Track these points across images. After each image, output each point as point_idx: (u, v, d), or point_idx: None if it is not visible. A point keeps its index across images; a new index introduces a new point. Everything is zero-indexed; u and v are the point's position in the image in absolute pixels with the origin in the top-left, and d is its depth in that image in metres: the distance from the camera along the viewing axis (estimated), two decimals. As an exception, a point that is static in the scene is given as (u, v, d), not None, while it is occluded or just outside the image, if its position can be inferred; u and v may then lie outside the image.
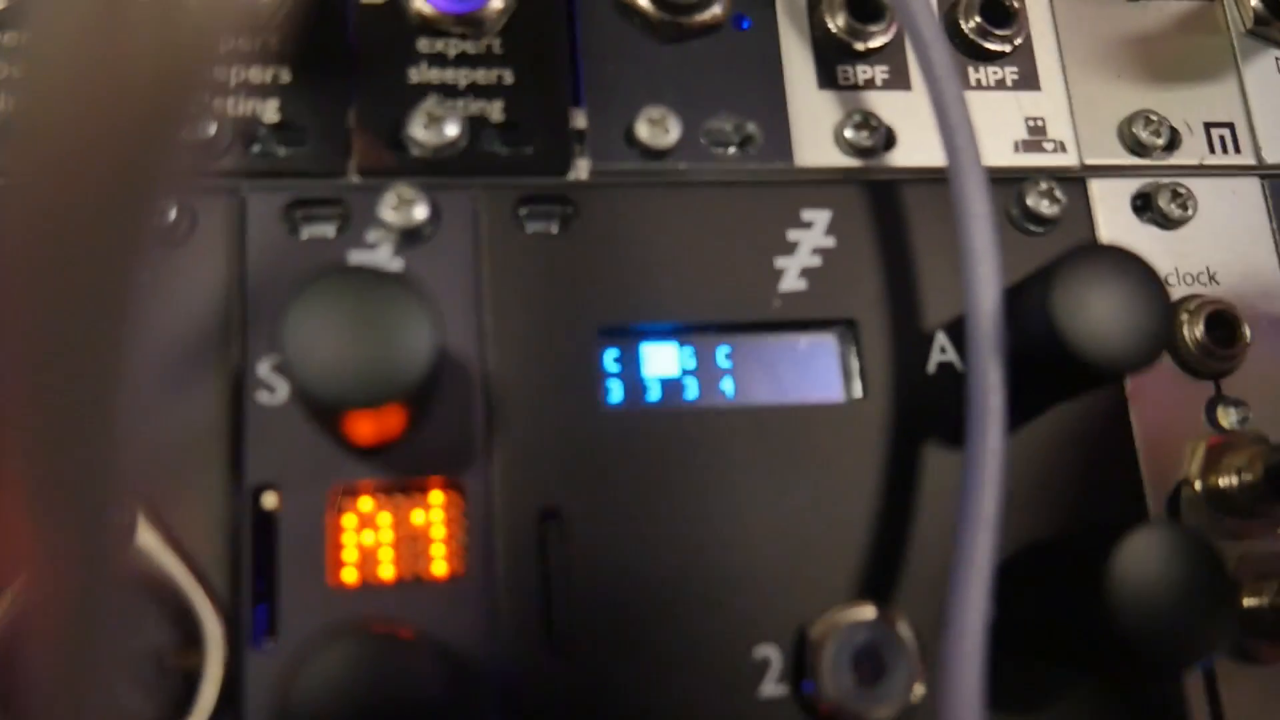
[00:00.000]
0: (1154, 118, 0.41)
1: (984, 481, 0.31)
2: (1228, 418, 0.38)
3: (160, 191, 0.19)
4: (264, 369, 0.33)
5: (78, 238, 0.18)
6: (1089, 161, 0.40)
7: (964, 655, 0.30)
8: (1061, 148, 0.40)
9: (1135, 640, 0.29)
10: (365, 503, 0.33)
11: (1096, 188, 0.40)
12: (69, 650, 0.20)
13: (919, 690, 0.32)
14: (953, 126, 0.35)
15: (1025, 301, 0.33)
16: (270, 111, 0.35)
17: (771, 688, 0.33)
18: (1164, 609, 0.29)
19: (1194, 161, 0.41)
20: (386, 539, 0.33)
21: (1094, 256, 0.32)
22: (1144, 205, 0.40)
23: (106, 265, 0.18)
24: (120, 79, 0.18)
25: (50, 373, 0.18)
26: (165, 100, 0.18)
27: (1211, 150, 0.41)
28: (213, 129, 0.34)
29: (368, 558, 0.33)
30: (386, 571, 0.32)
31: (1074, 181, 0.40)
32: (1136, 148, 0.41)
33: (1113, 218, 0.40)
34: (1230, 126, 0.42)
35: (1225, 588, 0.30)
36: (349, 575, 0.32)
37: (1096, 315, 0.31)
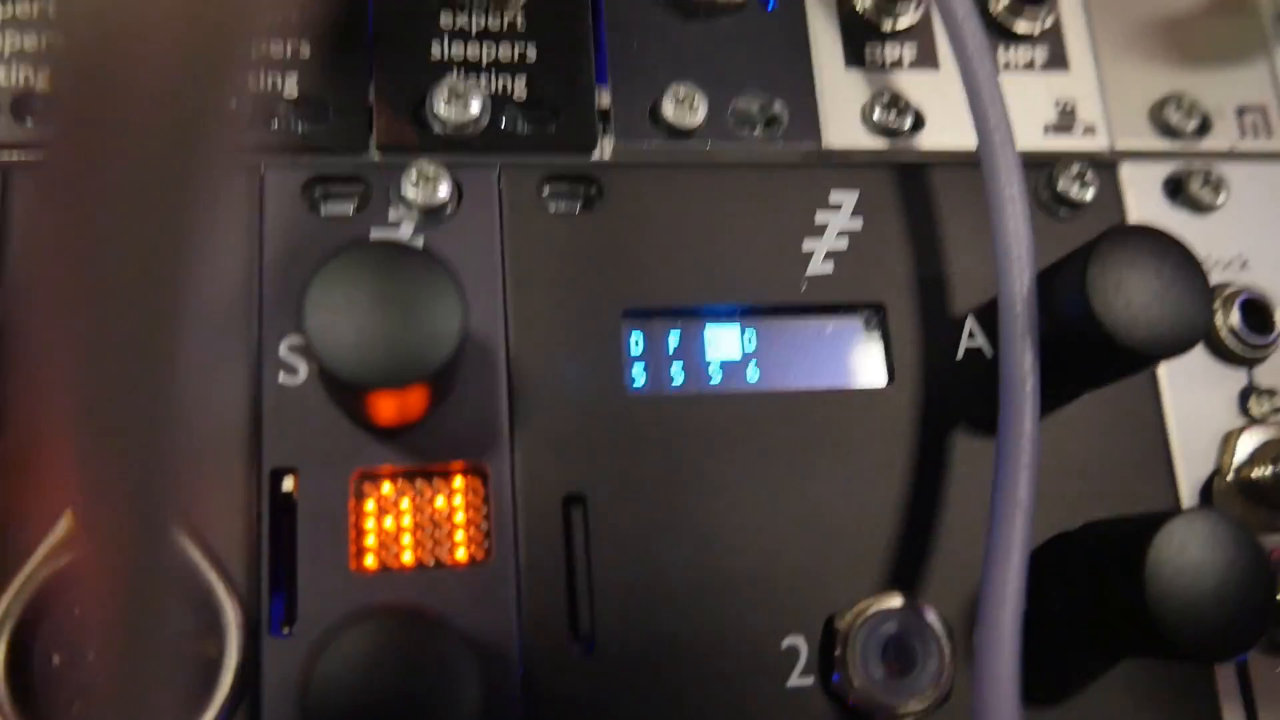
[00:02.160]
0: (1185, 101, 0.40)
1: (1018, 467, 0.31)
2: (1260, 407, 0.38)
3: (219, 149, 0.18)
4: (284, 349, 0.32)
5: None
6: (1120, 145, 0.39)
7: (999, 644, 0.29)
8: (1092, 131, 0.39)
9: (1173, 631, 0.28)
10: (386, 487, 0.32)
11: (1127, 172, 0.39)
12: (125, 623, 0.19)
13: (947, 683, 0.32)
14: (985, 104, 0.34)
15: (1059, 283, 0.32)
16: (290, 86, 0.34)
17: (799, 679, 0.32)
18: (1204, 599, 0.28)
19: (1226, 146, 0.40)
20: (407, 524, 0.32)
21: (1132, 238, 0.31)
22: (1176, 190, 0.40)
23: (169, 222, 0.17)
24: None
25: (110, 349, 0.18)
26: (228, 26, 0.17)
27: (1243, 135, 0.41)
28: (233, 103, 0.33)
29: (388, 543, 0.32)
30: (407, 557, 0.32)
31: (1104, 166, 0.39)
32: (1168, 131, 0.40)
33: (1144, 202, 0.39)
34: (1263, 110, 0.41)
35: (1268, 580, 0.29)
36: (369, 561, 0.32)
37: (1134, 297, 0.31)
